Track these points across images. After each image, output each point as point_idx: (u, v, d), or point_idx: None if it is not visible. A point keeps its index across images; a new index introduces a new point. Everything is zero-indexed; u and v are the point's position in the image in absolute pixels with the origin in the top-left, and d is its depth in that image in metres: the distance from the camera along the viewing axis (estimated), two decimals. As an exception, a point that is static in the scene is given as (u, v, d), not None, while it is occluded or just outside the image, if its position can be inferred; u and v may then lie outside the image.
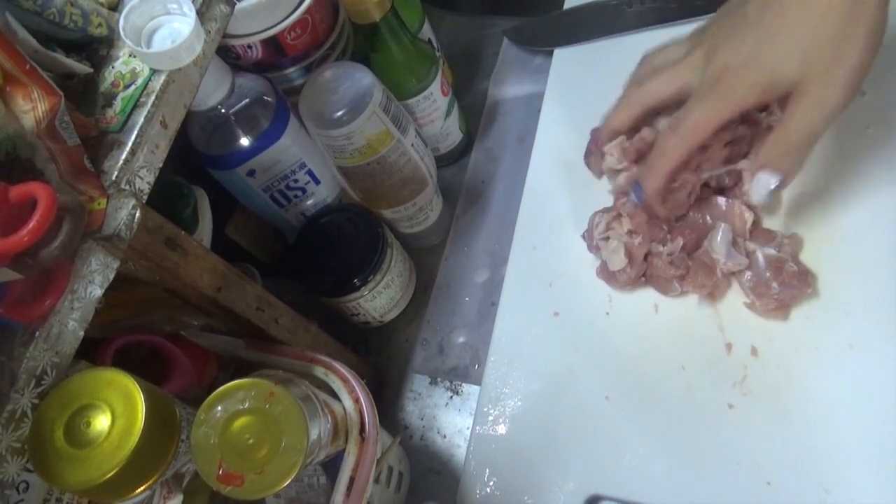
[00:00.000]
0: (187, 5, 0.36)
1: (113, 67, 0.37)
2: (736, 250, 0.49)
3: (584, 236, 0.55)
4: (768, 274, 0.48)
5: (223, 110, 0.52)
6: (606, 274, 0.53)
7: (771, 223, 0.51)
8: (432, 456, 0.58)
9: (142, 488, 0.32)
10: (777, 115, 0.51)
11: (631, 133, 0.54)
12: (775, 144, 0.41)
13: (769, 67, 0.38)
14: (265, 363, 0.47)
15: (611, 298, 0.54)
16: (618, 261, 0.51)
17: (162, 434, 0.33)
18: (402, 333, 0.65)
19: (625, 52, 0.64)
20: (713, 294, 0.50)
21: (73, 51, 0.36)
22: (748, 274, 0.49)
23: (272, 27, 0.52)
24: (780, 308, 0.48)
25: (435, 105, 0.62)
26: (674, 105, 0.49)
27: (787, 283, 0.47)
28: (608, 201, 0.55)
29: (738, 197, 0.50)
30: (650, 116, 0.55)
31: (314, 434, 0.35)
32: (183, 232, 0.38)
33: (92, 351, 0.42)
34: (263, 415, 0.34)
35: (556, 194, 0.60)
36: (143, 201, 0.34)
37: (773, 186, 0.42)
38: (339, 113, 0.51)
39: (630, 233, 0.51)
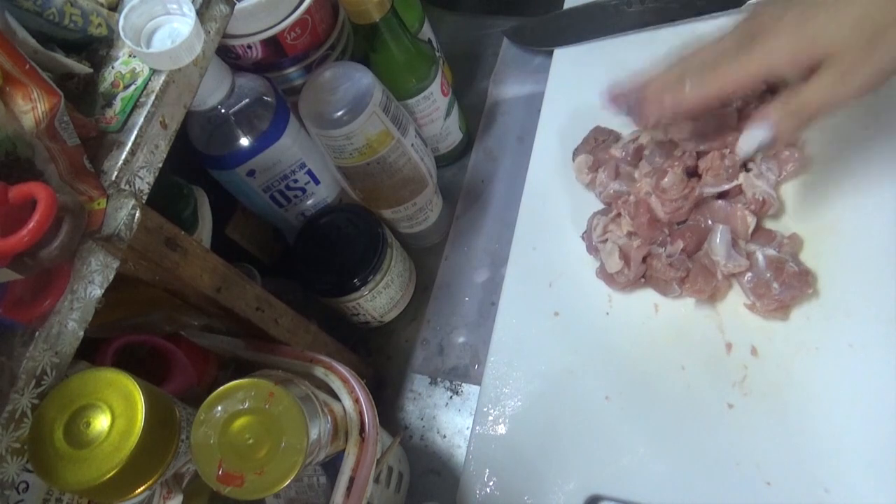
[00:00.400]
0: (187, 5, 0.36)
1: (113, 67, 0.37)
2: (736, 251, 0.49)
3: (583, 237, 0.55)
4: (769, 275, 0.48)
5: (223, 110, 0.52)
6: (606, 275, 0.53)
7: (771, 224, 0.51)
8: (432, 456, 0.58)
9: (142, 488, 0.32)
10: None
11: (595, 148, 0.57)
12: (783, 103, 0.40)
13: (809, 34, 0.38)
14: (265, 363, 0.47)
15: (611, 298, 0.54)
16: (613, 264, 0.51)
17: (162, 434, 0.33)
18: (402, 333, 0.65)
19: (625, 52, 0.64)
20: (714, 296, 0.50)
21: (73, 51, 0.36)
22: (749, 275, 0.49)
23: (272, 27, 0.52)
24: (781, 309, 0.48)
25: (435, 105, 0.62)
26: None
27: (787, 284, 0.47)
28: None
29: (740, 201, 0.50)
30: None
31: (314, 434, 0.35)
32: (183, 232, 0.38)
33: (92, 351, 0.42)
34: (263, 415, 0.34)
35: (556, 194, 0.60)
36: (143, 201, 0.34)
37: (761, 141, 0.42)
38: (339, 113, 0.51)
39: (630, 234, 0.51)
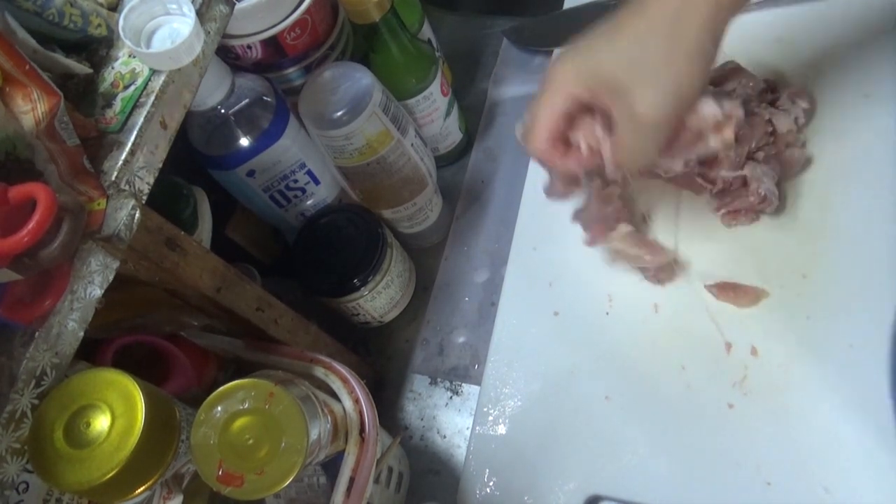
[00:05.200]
0: (187, 5, 0.36)
1: (112, 68, 0.37)
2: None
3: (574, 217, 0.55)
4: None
5: (223, 110, 0.52)
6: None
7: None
8: (432, 456, 0.58)
9: (142, 489, 0.32)
10: (783, 107, 0.52)
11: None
12: (617, 147, 0.43)
13: (593, 65, 0.41)
14: (265, 363, 0.47)
15: (611, 298, 0.54)
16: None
17: (162, 434, 0.33)
18: (402, 333, 0.65)
19: (625, 51, 0.64)
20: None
21: (73, 51, 0.36)
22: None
23: (272, 27, 0.52)
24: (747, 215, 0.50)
25: (435, 105, 0.62)
26: None
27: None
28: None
29: (740, 194, 0.50)
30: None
31: (314, 434, 0.35)
32: (183, 232, 0.38)
33: (92, 351, 0.42)
34: (263, 415, 0.34)
35: (556, 194, 0.60)
36: (143, 202, 0.34)
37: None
38: (339, 113, 0.51)
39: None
